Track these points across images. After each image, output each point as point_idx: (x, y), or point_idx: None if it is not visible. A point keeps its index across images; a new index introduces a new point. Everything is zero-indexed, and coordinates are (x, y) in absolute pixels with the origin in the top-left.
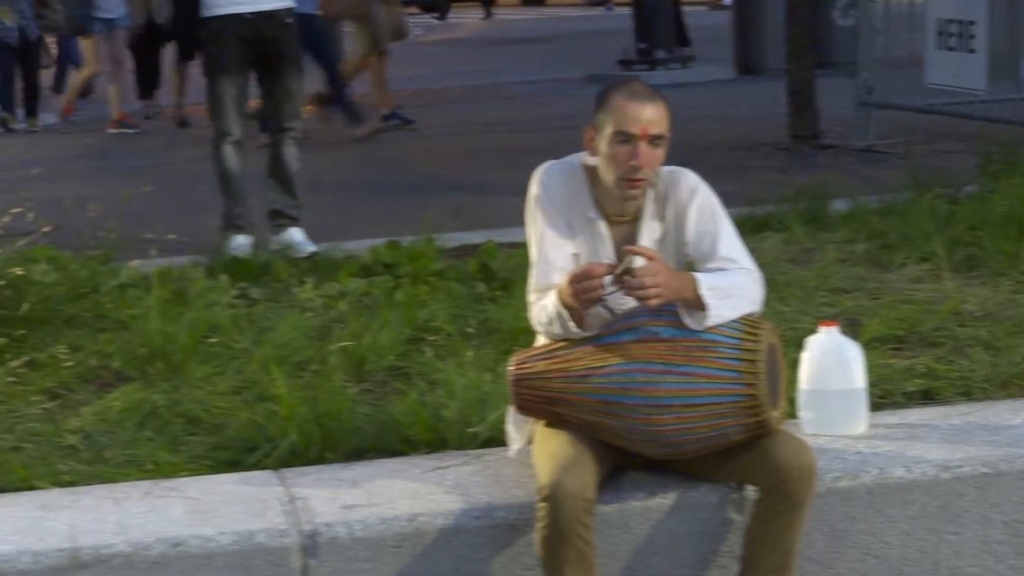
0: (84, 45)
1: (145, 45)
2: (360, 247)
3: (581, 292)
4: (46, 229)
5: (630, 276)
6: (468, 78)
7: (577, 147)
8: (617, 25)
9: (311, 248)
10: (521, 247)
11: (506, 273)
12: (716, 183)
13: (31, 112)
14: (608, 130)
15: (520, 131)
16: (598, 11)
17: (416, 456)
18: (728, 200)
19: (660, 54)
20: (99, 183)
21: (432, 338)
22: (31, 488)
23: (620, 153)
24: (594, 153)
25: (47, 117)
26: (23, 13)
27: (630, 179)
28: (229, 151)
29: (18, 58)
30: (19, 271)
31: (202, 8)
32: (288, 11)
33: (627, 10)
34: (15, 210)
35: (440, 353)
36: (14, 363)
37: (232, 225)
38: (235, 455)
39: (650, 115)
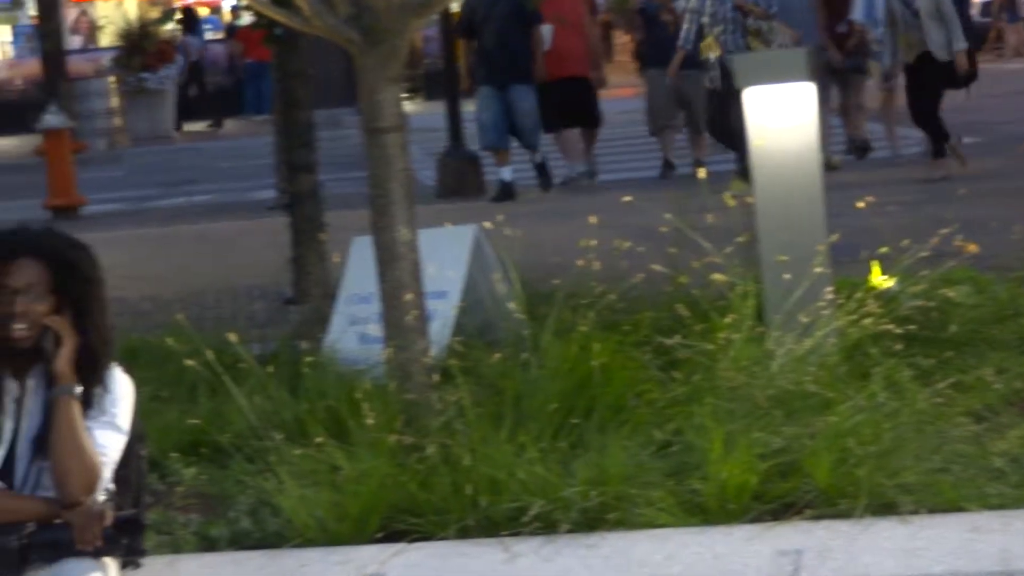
0: None
1: None
2: None
3: None
4: (970, 250)
5: None
6: None
7: None
8: None
9: None
10: None
11: None
12: None
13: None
14: None
15: None
16: None
17: None
18: None
19: None
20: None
21: None
22: (960, 510)
23: None
24: None
25: None
26: (726, 45)
27: None
28: None
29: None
30: (946, 293)
31: None
32: None
33: None
34: (943, 231)
35: None
36: (941, 384)
37: None
38: None
39: None
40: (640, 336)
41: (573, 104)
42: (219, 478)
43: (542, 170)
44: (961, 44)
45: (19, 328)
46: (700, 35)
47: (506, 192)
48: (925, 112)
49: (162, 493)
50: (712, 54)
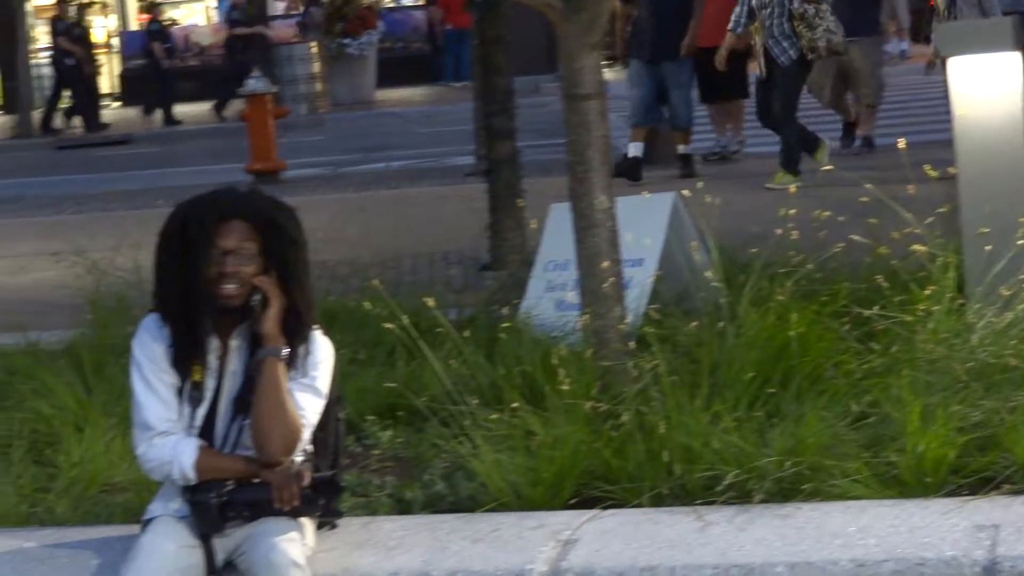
0: None
1: None
2: None
3: None
4: None
5: None
6: None
7: None
8: None
9: None
10: None
11: None
12: None
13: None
14: None
15: None
16: None
17: None
18: None
19: None
20: None
21: None
22: None
23: None
24: None
25: None
26: (771, 30)
27: None
28: None
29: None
30: None
31: None
32: None
33: None
34: None
35: None
36: None
37: None
38: None
39: None
40: (838, 306)
41: (722, 74)
42: (415, 442)
43: (687, 161)
44: None
45: (229, 288)
46: (752, 17)
47: (632, 169)
48: None
49: (358, 455)
50: (757, 39)
